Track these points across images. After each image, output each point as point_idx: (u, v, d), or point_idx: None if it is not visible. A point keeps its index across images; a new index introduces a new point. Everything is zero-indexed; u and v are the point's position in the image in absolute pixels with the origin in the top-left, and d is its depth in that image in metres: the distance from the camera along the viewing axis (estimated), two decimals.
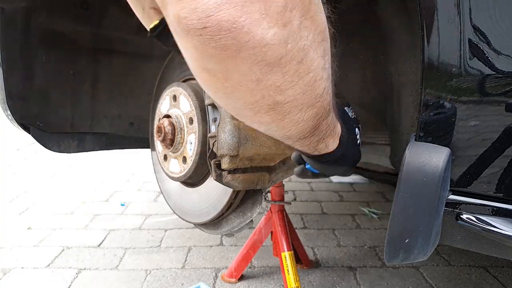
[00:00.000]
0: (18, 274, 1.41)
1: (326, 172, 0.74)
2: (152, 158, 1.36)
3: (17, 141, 3.72)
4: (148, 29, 0.72)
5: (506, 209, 0.60)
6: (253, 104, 0.48)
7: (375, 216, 1.99)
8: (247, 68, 0.42)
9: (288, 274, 1.23)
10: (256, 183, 0.91)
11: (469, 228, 0.62)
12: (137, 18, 0.73)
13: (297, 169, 0.78)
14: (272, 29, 0.39)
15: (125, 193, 2.35)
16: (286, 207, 1.37)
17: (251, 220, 1.00)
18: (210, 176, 1.00)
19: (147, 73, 1.47)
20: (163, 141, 1.01)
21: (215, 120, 0.90)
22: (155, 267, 1.47)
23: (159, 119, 1.07)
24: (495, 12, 0.56)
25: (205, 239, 1.69)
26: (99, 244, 1.66)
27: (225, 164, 0.84)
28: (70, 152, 1.44)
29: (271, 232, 1.35)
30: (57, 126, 1.38)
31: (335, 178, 2.64)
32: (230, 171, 0.85)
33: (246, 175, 0.88)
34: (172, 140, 1.01)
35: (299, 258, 1.44)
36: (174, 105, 1.04)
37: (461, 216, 0.63)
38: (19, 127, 1.29)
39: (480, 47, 0.56)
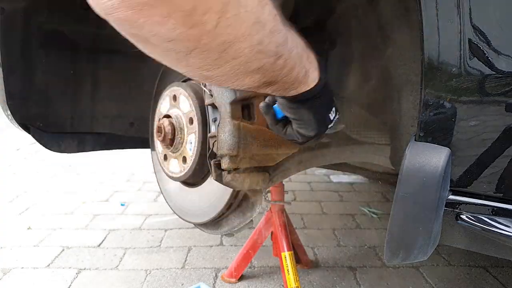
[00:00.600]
0: (18, 274, 1.41)
1: (295, 115, 0.68)
2: (152, 158, 1.36)
3: (17, 141, 3.71)
4: None
5: (506, 209, 0.60)
6: (188, 73, 0.50)
7: (375, 216, 1.99)
8: (161, 51, 0.44)
9: (288, 274, 1.23)
10: (256, 183, 0.91)
11: (469, 228, 0.62)
12: None
13: (262, 104, 0.74)
14: (179, 29, 0.40)
15: (125, 193, 2.35)
16: (286, 207, 1.37)
17: (251, 220, 1.00)
18: (210, 176, 1.00)
19: (147, 73, 1.46)
20: (163, 141, 1.01)
21: (215, 120, 0.90)
22: (155, 267, 1.47)
23: (159, 119, 1.07)
24: (495, 12, 0.56)
25: (205, 239, 1.69)
26: (99, 244, 1.66)
27: (225, 164, 0.84)
28: (70, 152, 1.44)
29: (271, 232, 1.35)
30: (57, 126, 1.38)
31: (335, 178, 2.65)
32: (230, 171, 0.85)
33: (246, 175, 0.88)
34: (172, 140, 1.01)
35: (299, 258, 1.44)
36: (174, 105, 1.04)
37: (461, 216, 0.63)
38: (19, 127, 1.29)
39: (480, 47, 0.56)
